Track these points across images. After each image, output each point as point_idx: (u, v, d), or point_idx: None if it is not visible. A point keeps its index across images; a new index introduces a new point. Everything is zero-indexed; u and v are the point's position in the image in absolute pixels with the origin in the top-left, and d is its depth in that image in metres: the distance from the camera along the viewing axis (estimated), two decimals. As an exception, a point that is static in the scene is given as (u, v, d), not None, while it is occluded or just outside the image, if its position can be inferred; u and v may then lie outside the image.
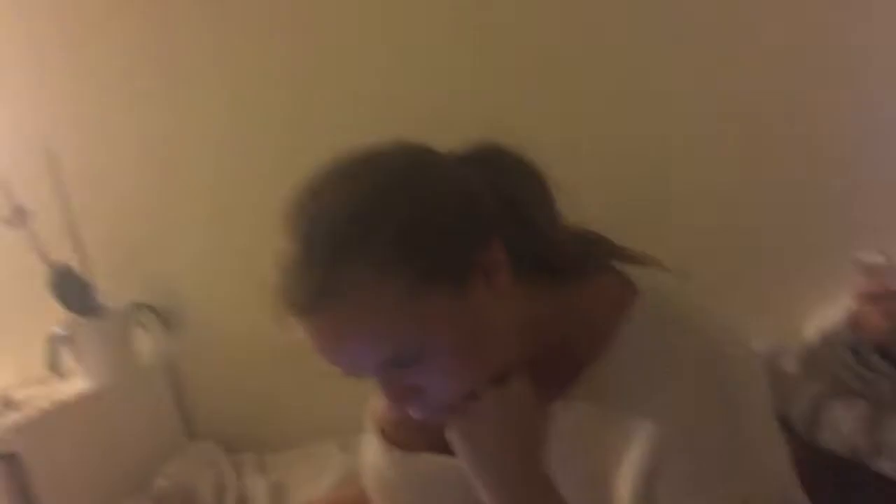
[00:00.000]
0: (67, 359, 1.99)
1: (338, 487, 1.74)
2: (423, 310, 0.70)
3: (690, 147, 1.80)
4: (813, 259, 1.76)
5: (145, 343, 2.12)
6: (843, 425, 1.26)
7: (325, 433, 1.96)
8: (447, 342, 0.72)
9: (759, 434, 0.75)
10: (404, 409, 0.75)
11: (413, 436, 0.88)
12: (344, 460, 1.85)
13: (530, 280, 0.79)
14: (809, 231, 1.77)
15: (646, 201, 1.79)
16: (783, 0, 1.74)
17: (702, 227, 1.81)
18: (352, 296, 0.69)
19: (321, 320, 0.71)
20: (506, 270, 0.75)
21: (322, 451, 1.93)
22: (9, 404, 1.95)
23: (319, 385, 1.97)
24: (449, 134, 0.82)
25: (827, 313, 1.62)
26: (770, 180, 1.78)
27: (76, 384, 2.01)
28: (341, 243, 0.70)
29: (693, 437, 0.73)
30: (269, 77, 1.98)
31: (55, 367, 1.96)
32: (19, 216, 1.94)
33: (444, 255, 0.72)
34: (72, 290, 1.96)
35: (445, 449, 0.83)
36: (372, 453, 0.92)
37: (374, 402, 0.93)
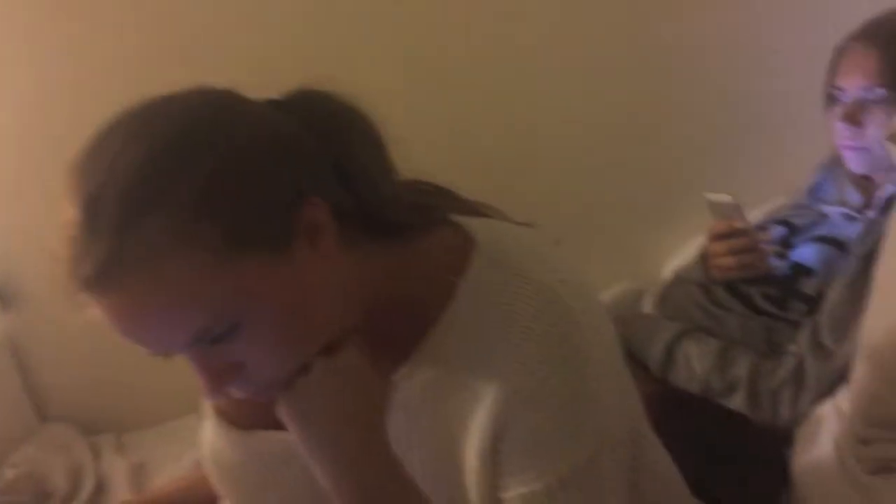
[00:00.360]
0: None
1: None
2: (235, 277, 0.63)
3: (542, 93, 1.78)
4: (670, 202, 1.79)
5: (-19, 323, 1.96)
6: (695, 363, 1.29)
7: (186, 408, 1.87)
8: (267, 312, 0.65)
9: (604, 385, 0.74)
10: (224, 391, 0.68)
11: (252, 413, 0.81)
12: (207, 434, 1.77)
13: (360, 239, 0.74)
14: (666, 174, 1.80)
15: (499, 149, 1.76)
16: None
17: (559, 174, 1.81)
18: (147, 265, 0.61)
19: (115, 295, 0.62)
20: (331, 230, 0.69)
21: (184, 427, 1.84)
22: None
23: (178, 358, 1.92)
24: (273, 84, 0.75)
25: (684, 255, 1.66)
26: (625, 125, 1.79)
27: None
28: (131, 205, 0.62)
29: (537, 395, 0.71)
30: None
31: None
32: None
33: (255, 214, 0.64)
34: None
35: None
36: (209, 436, 0.86)
37: None
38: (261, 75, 0.74)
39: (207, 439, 0.87)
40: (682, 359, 1.30)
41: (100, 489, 1.72)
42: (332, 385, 0.71)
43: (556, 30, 1.76)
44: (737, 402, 1.23)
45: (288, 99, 0.75)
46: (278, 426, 0.77)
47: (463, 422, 0.75)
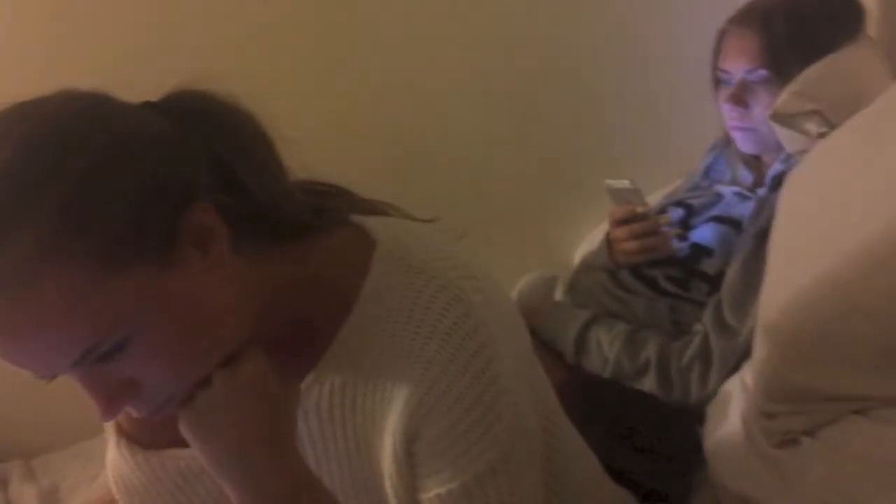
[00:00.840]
0: None
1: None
2: (117, 293, 0.59)
3: (436, 85, 1.77)
4: (575, 190, 1.82)
5: None
6: (606, 348, 1.32)
7: (98, 427, 1.80)
8: (158, 327, 0.62)
9: (513, 380, 0.74)
10: (117, 411, 0.64)
11: (155, 431, 0.79)
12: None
13: (254, 244, 0.71)
14: (571, 163, 1.83)
15: (395, 145, 1.75)
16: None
17: (461, 166, 1.81)
18: (15, 287, 0.57)
19: None
20: (221, 235, 0.67)
21: (98, 447, 1.77)
22: None
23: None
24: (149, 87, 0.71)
25: (592, 241, 1.69)
26: (525, 117, 1.81)
27: None
28: (6, 209, 0.57)
29: (447, 395, 0.71)
30: None
31: None
32: None
33: (132, 224, 0.60)
34: None
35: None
36: (112, 457, 0.83)
37: None
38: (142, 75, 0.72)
39: (111, 461, 0.84)
40: (593, 345, 1.33)
41: (9, 518, 1.65)
42: (233, 398, 0.68)
43: (445, 18, 1.76)
44: (648, 384, 1.25)
45: (163, 100, 0.72)
46: (184, 443, 0.75)
47: (376, 426, 0.75)
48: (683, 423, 1.20)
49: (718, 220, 1.40)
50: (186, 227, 0.64)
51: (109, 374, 0.63)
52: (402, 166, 1.70)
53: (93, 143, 0.61)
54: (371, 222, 0.79)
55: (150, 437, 0.80)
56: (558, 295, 1.66)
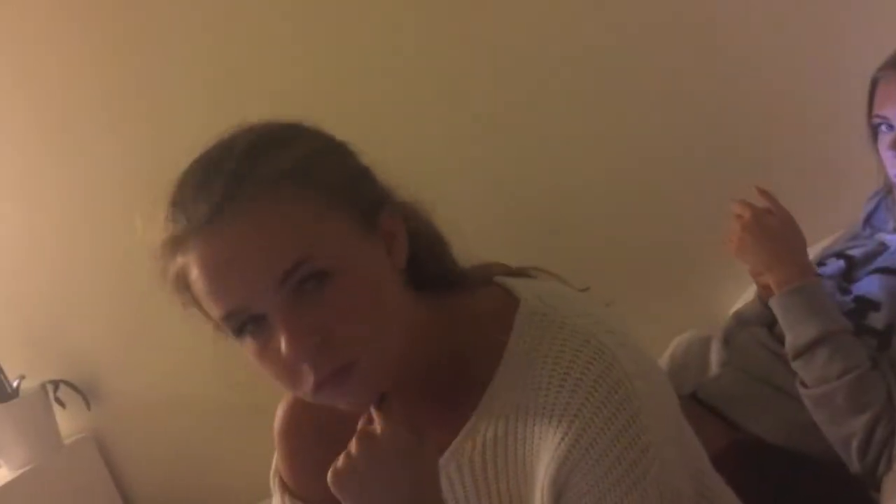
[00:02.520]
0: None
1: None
2: (332, 227, 0.70)
3: (604, 139, 1.80)
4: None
5: (68, 421, 2.03)
6: (780, 411, 1.27)
7: (262, 494, 1.90)
8: (351, 273, 0.69)
9: (662, 435, 0.74)
10: (303, 351, 0.67)
11: (320, 490, 0.82)
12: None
13: (412, 287, 0.77)
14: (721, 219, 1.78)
15: (545, 209, 1.78)
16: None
17: (611, 225, 1.81)
18: (263, 194, 0.67)
19: (226, 222, 0.67)
20: (402, 248, 0.75)
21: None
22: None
23: (259, 440, 1.96)
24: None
25: (745, 298, 1.64)
26: (683, 173, 1.80)
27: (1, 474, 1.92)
28: (253, 151, 0.70)
29: (594, 447, 0.71)
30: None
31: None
32: None
33: (348, 190, 0.72)
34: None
35: None
36: None
37: (278, 460, 0.89)
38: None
39: None
40: (760, 404, 1.28)
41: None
42: (375, 461, 0.72)
43: (600, 75, 1.79)
44: (848, 452, 1.17)
45: None
46: None
47: (527, 480, 0.76)
48: (858, 494, 1.13)
49: (883, 271, 1.33)
50: (383, 222, 0.74)
51: (304, 314, 0.68)
52: (546, 226, 1.73)
53: (320, 134, 0.76)
54: (513, 282, 0.82)
55: (314, 494, 0.84)
56: (714, 353, 1.62)
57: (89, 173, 1.95)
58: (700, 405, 1.36)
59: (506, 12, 1.78)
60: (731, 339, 1.49)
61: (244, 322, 0.69)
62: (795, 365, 1.22)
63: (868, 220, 1.49)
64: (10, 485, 1.86)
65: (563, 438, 0.72)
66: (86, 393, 2.02)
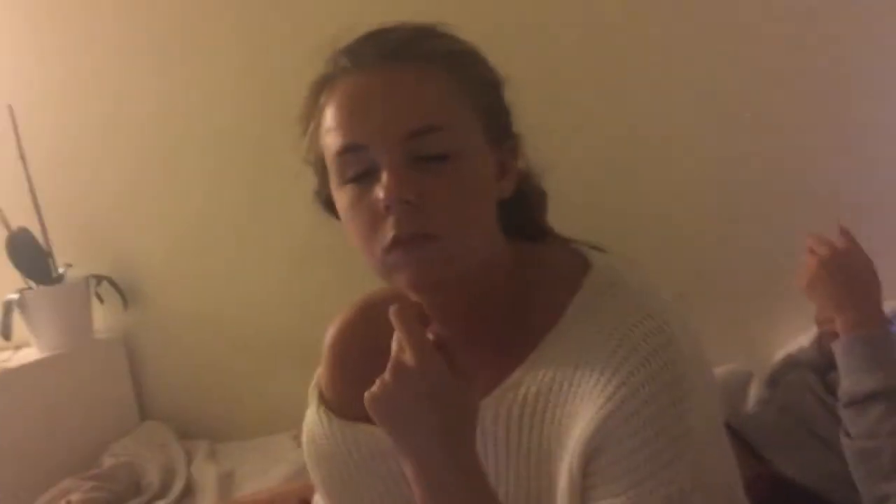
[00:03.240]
0: (21, 326, 1.93)
1: (288, 481, 1.69)
2: (468, 122, 0.74)
3: (663, 166, 1.78)
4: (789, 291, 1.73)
5: (103, 317, 2.07)
6: (814, 457, 1.23)
7: (280, 426, 1.92)
8: (467, 168, 0.73)
9: (703, 426, 0.73)
10: (394, 208, 0.70)
11: (354, 405, 0.82)
12: (298, 455, 1.79)
13: (503, 227, 0.80)
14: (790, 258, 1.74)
15: (615, 216, 1.76)
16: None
17: (691, 238, 1.78)
18: (422, 62, 0.74)
19: (383, 69, 0.73)
20: (512, 179, 0.79)
21: (275, 444, 1.88)
22: (-45, 368, 1.89)
23: (278, 376, 1.99)
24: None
25: (799, 343, 1.61)
26: (768, 200, 1.76)
27: (28, 352, 1.96)
28: (431, 30, 0.78)
29: (636, 416, 0.71)
30: (230, 50, 1.93)
31: (7, 334, 1.90)
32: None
33: (496, 109, 0.78)
34: (29, 255, 1.90)
35: None
36: (311, 421, 0.88)
37: (320, 371, 0.89)
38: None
39: (308, 424, 0.89)
40: (802, 448, 1.25)
41: (188, 491, 1.77)
42: (412, 396, 0.72)
43: (674, 99, 1.76)
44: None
45: None
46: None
47: (560, 439, 0.75)
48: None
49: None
50: (507, 151, 0.79)
51: (412, 175, 0.71)
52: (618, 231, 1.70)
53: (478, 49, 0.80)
54: (591, 252, 0.83)
55: (348, 410, 0.85)
56: (754, 389, 1.58)
57: (174, 85, 1.98)
58: (733, 434, 1.33)
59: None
60: (778, 379, 1.46)
61: (356, 166, 0.73)
62: (846, 413, 1.18)
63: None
64: (35, 364, 1.89)
65: (605, 402, 0.71)
66: (126, 293, 2.04)
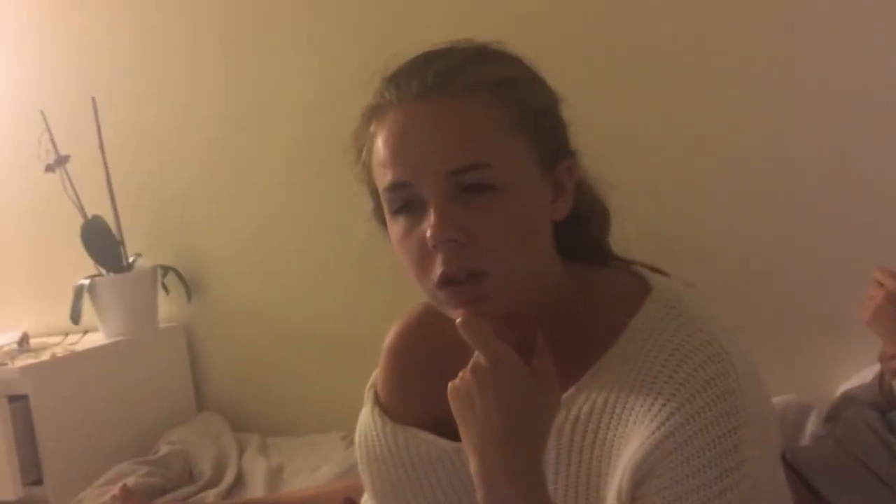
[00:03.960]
0: (90, 311, 2.00)
1: (336, 479, 1.71)
2: (513, 150, 0.73)
3: (748, 177, 1.74)
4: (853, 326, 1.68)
5: (167, 307, 2.13)
6: (869, 494, 1.20)
7: (331, 426, 1.95)
8: (513, 199, 0.72)
9: (759, 457, 0.72)
10: (442, 247, 0.71)
11: (409, 410, 0.84)
12: (346, 455, 1.83)
13: (561, 249, 0.80)
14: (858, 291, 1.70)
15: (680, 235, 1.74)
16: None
17: (754, 263, 1.75)
18: (474, 89, 0.72)
19: (427, 104, 0.72)
20: (567, 201, 0.78)
21: (326, 443, 1.91)
22: (26, 348, 1.97)
23: (331, 378, 2.02)
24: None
25: (860, 379, 1.57)
26: (837, 229, 1.71)
27: (95, 337, 2.03)
28: (479, 56, 0.76)
29: (688, 444, 0.70)
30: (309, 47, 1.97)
31: (76, 318, 1.97)
32: (59, 162, 1.96)
33: (549, 131, 0.76)
34: (102, 243, 1.97)
35: (440, 430, 0.81)
36: (364, 422, 0.89)
37: (377, 373, 0.90)
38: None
39: (361, 425, 0.89)
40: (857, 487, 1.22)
41: (239, 481, 1.81)
42: (490, 397, 0.71)
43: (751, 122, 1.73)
44: None
45: None
46: (430, 428, 0.82)
47: (612, 461, 0.75)
48: None
49: None
50: (561, 169, 0.77)
51: (459, 211, 0.71)
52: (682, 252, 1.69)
53: (533, 68, 0.79)
54: (651, 275, 0.82)
55: (402, 414, 0.85)
56: (811, 424, 1.55)
57: (253, 88, 2.03)
58: (788, 467, 1.30)
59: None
60: (837, 415, 1.42)
61: (404, 200, 0.73)
62: None
63: None
64: (100, 349, 1.96)
65: (659, 427, 0.71)
66: (190, 286, 2.10)
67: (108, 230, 1.98)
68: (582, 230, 0.83)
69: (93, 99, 1.99)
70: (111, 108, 2.04)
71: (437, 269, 0.71)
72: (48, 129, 1.98)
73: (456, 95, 0.72)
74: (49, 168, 1.96)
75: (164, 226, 2.14)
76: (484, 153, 0.71)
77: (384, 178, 0.74)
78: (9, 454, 1.72)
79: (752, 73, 1.71)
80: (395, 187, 0.73)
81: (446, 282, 0.72)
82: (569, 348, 0.78)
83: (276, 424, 2.05)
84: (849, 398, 1.44)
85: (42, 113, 1.99)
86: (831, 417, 1.44)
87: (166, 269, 2.08)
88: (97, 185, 1.99)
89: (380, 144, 0.74)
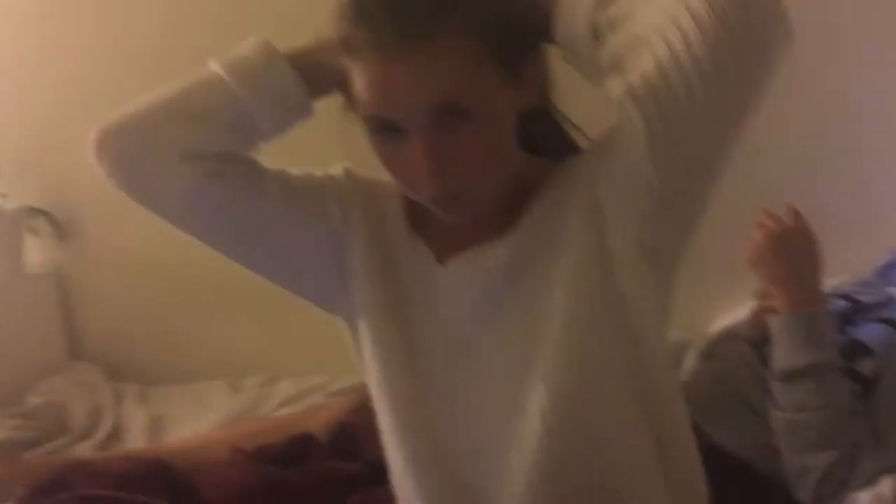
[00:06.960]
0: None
1: (221, 427, 1.66)
2: (486, 80, 0.78)
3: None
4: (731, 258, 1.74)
5: (36, 252, 1.99)
6: (744, 426, 1.25)
7: (214, 373, 1.89)
8: (489, 117, 0.79)
9: None
10: (439, 176, 0.78)
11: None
12: (230, 401, 1.78)
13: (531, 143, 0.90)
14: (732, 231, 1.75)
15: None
16: None
17: None
18: (442, 37, 0.75)
19: (406, 52, 0.75)
20: (534, 92, 0.85)
21: (209, 390, 1.85)
22: None
23: (216, 324, 1.94)
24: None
25: (736, 315, 1.62)
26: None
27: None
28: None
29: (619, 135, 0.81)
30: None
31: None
32: None
33: (517, 39, 0.80)
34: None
35: None
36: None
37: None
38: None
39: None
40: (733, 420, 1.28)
41: (115, 433, 1.74)
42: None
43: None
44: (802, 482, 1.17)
45: None
46: None
47: (557, 259, 0.85)
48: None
49: (888, 322, 1.32)
50: (526, 61, 0.82)
51: (440, 141, 0.78)
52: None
53: None
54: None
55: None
56: (689, 361, 1.60)
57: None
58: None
59: None
60: (714, 351, 1.47)
61: (388, 128, 0.79)
62: (777, 386, 1.20)
63: (881, 272, 1.48)
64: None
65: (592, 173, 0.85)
66: (63, 226, 1.97)
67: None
68: (546, 127, 0.92)
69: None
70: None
71: (425, 191, 0.81)
72: None
73: (429, 43, 0.76)
74: None
75: (32, 164, 1.99)
76: (458, 89, 0.77)
77: (365, 108, 0.79)
78: None
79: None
80: (377, 118, 0.80)
81: (433, 202, 0.83)
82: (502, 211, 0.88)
83: (157, 374, 1.97)
84: (726, 334, 1.49)
85: None
86: (709, 353, 1.49)
87: (34, 211, 1.94)
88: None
89: (360, 81, 0.78)
